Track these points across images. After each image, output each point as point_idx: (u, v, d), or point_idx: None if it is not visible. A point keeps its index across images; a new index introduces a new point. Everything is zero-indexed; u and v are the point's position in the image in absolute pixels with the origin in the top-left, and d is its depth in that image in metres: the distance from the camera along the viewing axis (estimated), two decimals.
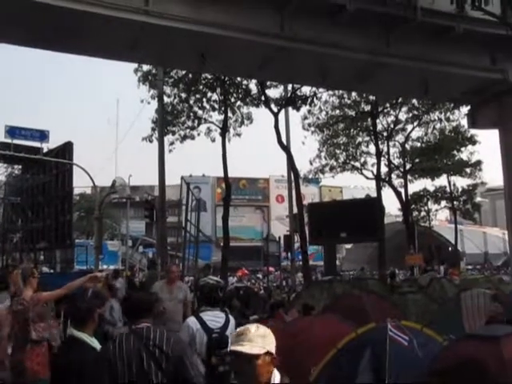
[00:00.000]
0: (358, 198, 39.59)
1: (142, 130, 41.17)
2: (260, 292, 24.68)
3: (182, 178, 23.69)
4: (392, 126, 31.86)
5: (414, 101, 29.49)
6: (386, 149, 32.32)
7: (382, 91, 22.60)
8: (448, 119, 31.64)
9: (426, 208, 41.14)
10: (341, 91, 28.15)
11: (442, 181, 39.28)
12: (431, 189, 40.15)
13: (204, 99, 26.30)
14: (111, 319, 11.12)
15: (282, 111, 26.23)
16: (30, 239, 32.22)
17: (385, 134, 32.01)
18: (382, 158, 31.79)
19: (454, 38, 15.80)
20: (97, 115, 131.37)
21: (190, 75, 24.87)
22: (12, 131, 27.32)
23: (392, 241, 38.52)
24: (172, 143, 26.68)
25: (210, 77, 24.83)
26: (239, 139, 28.17)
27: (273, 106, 25.97)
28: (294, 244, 28.33)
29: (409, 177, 34.91)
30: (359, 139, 32.77)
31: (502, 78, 17.54)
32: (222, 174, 27.34)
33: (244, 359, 2.89)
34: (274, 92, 26.71)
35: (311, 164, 32.22)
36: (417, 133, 33.43)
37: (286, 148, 25.73)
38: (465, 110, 23.96)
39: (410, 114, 31.57)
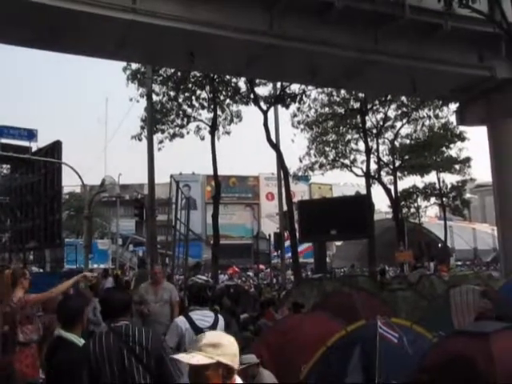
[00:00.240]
0: (347, 196, 39.74)
1: (132, 129, 41.09)
2: (250, 290, 24.68)
3: (172, 176, 23.56)
4: (381, 123, 31.92)
5: (403, 98, 29.54)
6: (375, 146, 32.39)
7: (371, 88, 22.64)
8: (437, 116, 31.74)
9: (415, 205, 41.32)
10: (330, 89, 28.16)
11: (431, 177, 39.47)
12: (421, 185, 40.32)
13: (193, 97, 26.26)
14: (95, 319, 10.99)
15: (272, 109, 26.25)
16: (19, 239, 32.03)
17: (374, 131, 32.06)
18: (372, 155, 31.88)
19: (442, 35, 15.85)
20: (86, 114, 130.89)
21: (179, 73, 24.82)
22: (0, 130, 27.18)
23: (382, 238, 38.63)
24: (161, 141, 26.70)
25: (199, 75, 24.80)
26: (229, 137, 28.14)
27: (262, 103, 25.99)
28: (284, 242, 28.35)
29: (398, 174, 34.99)
30: (348, 136, 32.81)
31: (489, 75, 17.63)
32: (211, 172, 27.33)
33: (193, 369, 2.73)
34: (263, 90, 26.81)
35: (301, 161, 32.25)
36: (406, 130, 33.55)
37: (275, 146, 25.73)
38: (453, 107, 24.07)
39: (399, 111, 31.62)
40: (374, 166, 32.82)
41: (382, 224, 41.39)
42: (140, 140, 25.66)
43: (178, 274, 22.35)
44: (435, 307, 11.03)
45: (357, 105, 30.31)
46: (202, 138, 27.13)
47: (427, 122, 32.54)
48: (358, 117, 30.72)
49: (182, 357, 2.74)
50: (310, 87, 26.31)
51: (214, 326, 6.00)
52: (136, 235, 52.87)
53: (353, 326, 6.72)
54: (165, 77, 25.22)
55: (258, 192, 71.34)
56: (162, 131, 26.68)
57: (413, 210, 41.18)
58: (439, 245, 45.35)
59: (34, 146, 28.63)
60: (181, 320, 6.04)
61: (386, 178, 34.90)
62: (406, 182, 45.59)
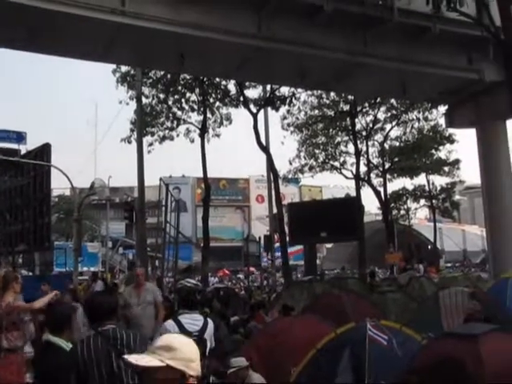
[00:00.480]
0: (337, 198, 39.81)
1: (121, 131, 40.98)
2: (241, 293, 24.68)
3: (161, 179, 23.55)
4: (371, 125, 32.01)
5: (393, 100, 29.68)
6: (365, 148, 32.49)
7: (361, 91, 22.70)
8: (426, 119, 31.91)
9: (405, 207, 41.43)
10: (319, 91, 28.22)
11: (420, 179, 39.63)
12: (410, 187, 40.47)
13: (183, 100, 26.26)
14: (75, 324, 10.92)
15: (261, 111, 26.27)
16: (8, 242, 31.80)
17: (364, 133, 32.14)
18: (361, 158, 31.95)
19: (430, 38, 15.90)
20: (75, 117, 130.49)
21: (169, 76, 24.81)
22: None
23: (372, 240, 38.74)
24: (151, 144, 26.64)
25: (188, 77, 24.80)
26: (219, 140, 28.18)
27: (252, 106, 26.03)
28: (274, 244, 28.37)
29: (388, 176, 35.10)
30: (338, 139, 32.86)
31: (478, 78, 17.71)
32: (202, 175, 27.31)
33: (144, 372, 2.60)
34: (253, 92, 26.86)
35: (291, 164, 32.30)
36: (395, 132, 33.68)
37: (265, 148, 25.76)
38: (442, 109, 24.15)
39: (389, 114, 31.74)
40: (363, 169, 32.96)
41: (371, 226, 41.50)
42: (130, 143, 25.58)
43: (167, 277, 22.33)
44: (425, 309, 11.06)
45: (346, 107, 30.39)
46: (192, 141, 27.13)
47: (416, 125, 32.77)
48: (348, 119, 30.83)
49: (132, 357, 2.61)
50: (299, 90, 26.35)
51: (203, 330, 5.99)
52: (126, 238, 52.69)
53: (342, 328, 6.73)
54: (154, 79, 25.20)
55: (249, 194, 71.39)
56: (152, 134, 26.66)
57: (402, 211, 41.31)
58: (429, 247, 45.51)
59: (23, 149, 28.47)
60: (170, 324, 6.03)
61: (376, 180, 35.05)
62: (396, 184, 45.68)
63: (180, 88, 25.75)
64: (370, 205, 62.52)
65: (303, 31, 14.81)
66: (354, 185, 32.22)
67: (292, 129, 31.08)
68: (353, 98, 28.73)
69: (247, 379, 6.73)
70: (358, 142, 31.36)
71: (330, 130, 32.37)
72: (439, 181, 42.01)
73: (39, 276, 26.99)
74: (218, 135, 27.71)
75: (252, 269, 38.76)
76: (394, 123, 32.53)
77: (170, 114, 26.67)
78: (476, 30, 15.25)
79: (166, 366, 2.55)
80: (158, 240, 21.80)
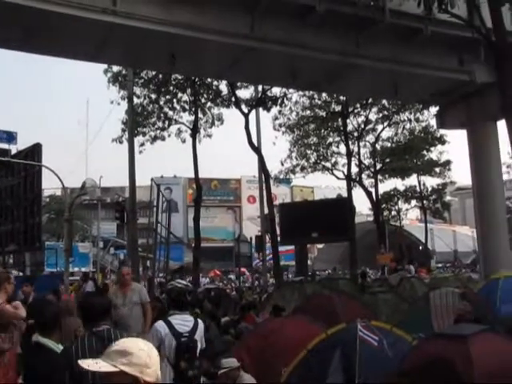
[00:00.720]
0: (328, 198, 39.84)
1: (113, 131, 40.90)
2: (232, 293, 24.66)
3: (152, 179, 23.50)
4: (362, 126, 32.09)
5: (384, 101, 29.73)
6: (356, 149, 32.54)
7: (353, 92, 22.74)
8: (417, 120, 31.99)
9: (396, 207, 41.57)
10: (311, 92, 28.24)
11: (412, 180, 39.79)
12: (401, 188, 40.65)
13: (174, 100, 26.23)
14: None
15: (253, 112, 26.27)
16: None
17: (355, 134, 32.21)
18: (353, 158, 32.01)
19: (422, 39, 15.93)
20: (66, 116, 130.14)
21: (160, 76, 24.77)
22: None
23: (363, 240, 38.79)
24: (142, 144, 26.58)
25: (180, 77, 24.76)
26: (211, 140, 28.18)
27: (243, 106, 26.03)
28: (265, 244, 28.36)
29: (379, 177, 35.17)
30: (330, 139, 32.90)
31: (469, 79, 17.77)
32: (193, 175, 27.28)
33: (102, 376, 2.52)
34: (245, 93, 26.93)
35: (282, 164, 32.32)
36: (387, 133, 33.77)
37: (256, 149, 25.76)
38: (434, 110, 24.23)
39: (380, 115, 31.79)
40: (355, 169, 33.02)
41: (363, 227, 41.56)
42: (121, 143, 25.55)
43: (158, 277, 22.30)
44: (415, 310, 11.10)
45: (338, 108, 30.42)
46: (183, 141, 27.11)
47: (408, 126, 32.84)
48: (340, 120, 30.85)
49: (85, 362, 2.54)
50: (291, 90, 26.38)
51: (193, 331, 5.99)
52: (117, 238, 52.61)
53: (333, 329, 6.73)
54: (146, 79, 25.15)
55: (240, 195, 71.37)
56: (144, 134, 26.61)
57: (394, 212, 41.44)
58: (420, 247, 45.64)
59: (14, 149, 28.39)
60: (160, 325, 6.02)
61: (367, 181, 35.11)
62: (387, 184, 45.98)
63: (171, 88, 25.72)
64: (362, 205, 62.77)
65: (295, 32, 14.81)
66: (346, 185, 32.28)
67: (283, 129, 31.13)
68: (344, 98, 28.78)
69: (238, 380, 6.73)
70: (350, 142, 31.42)
71: (322, 131, 32.40)
72: (430, 182, 42.25)
73: (30, 276, 26.90)
74: (209, 135, 27.75)
75: (243, 269, 38.75)
76: (385, 124, 32.62)
77: (162, 114, 26.63)
78: (467, 32, 15.28)
79: (120, 371, 2.47)
80: (149, 240, 21.78)
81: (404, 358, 5.65)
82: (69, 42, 14.31)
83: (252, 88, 25.99)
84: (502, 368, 4.95)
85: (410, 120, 32.08)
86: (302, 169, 32.93)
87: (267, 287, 26.35)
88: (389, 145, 34.39)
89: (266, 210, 26.70)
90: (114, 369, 2.47)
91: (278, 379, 6.64)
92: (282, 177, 33.57)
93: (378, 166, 34.63)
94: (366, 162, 34.53)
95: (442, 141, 33.07)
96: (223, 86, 25.89)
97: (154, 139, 26.94)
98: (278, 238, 25.10)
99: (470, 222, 52.20)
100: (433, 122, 29.34)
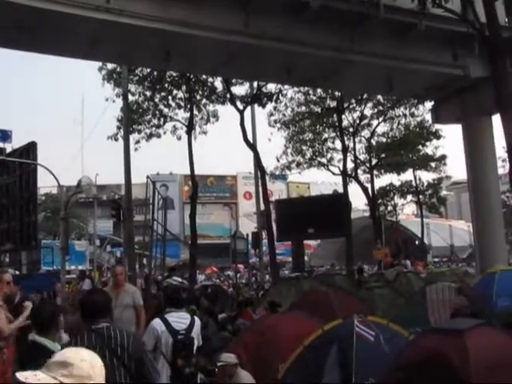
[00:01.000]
0: (324, 194, 39.77)
1: (108, 129, 40.80)
2: (229, 290, 24.66)
3: (148, 176, 23.43)
4: (358, 121, 32.05)
5: (379, 97, 29.73)
6: (352, 144, 32.50)
7: (348, 88, 22.75)
8: (412, 114, 32.03)
9: (392, 202, 41.53)
10: (306, 88, 28.23)
11: (407, 175, 39.77)
12: (397, 183, 40.58)
13: (169, 97, 26.15)
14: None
15: (248, 108, 26.23)
16: None
17: (351, 129, 32.17)
18: (348, 154, 31.97)
19: (416, 34, 15.97)
20: (61, 114, 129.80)
21: (155, 73, 24.70)
22: None
23: (359, 236, 38.85)
24: (138, 142, 26.50)
25: (175, 74, 24.71)
26: (206, 137, 28.14)
27: (238, 103, 25.98)
28: (262, 241, 28.35)
29: (375, 172, 35.14)
30: (325, 135, 32.88)
31: (463, 74, 17.82)
32: (189, 172, 27.24)
33: None
34: (240, 89, 26.88)
35: (278, 161, 32.32)
36: (382, 128, 33.72)
37: (252, 145, 25.74)
38: (429, 105, 24.26)
39: (376, 110, 31.79)
40: (350, 165, 32.98)
41: (359, 222, 41.60)
42: (116, 140, 25.45)
43: (155, 275, 22.27)
44: (412, 304, 11.11)
45: (333, 103, 30.42)
46: (179, 138, 27.04)
47: (403, 121, 32.85)
48: (335, 115, 30.85)
49: (23, 375, 2.37)
50: (286, 86, 26.35)
51: (190, 328, 5.99)
52: (114, 236, 52.50)
53: (329, 325, 6.73)
54: (141, 76, 25.08)
55: (236, 191, 71.32)
56: (139, 131, 26.51)
57: (390, 207, 41.41)
58: (416, 242, 45.70)
59: (9, 147, 28.34)
60: (157, 322, 6.02)
61: (363, 177, 35.08)
62: (383, 180, 45.74)
63: (166, 85, 25.64)
64: (358, 201, 62.68)
65: (290, 28, 14.80)
66: (342, 181, 32.29)
67: (279, 125, 31.08)
68: (340, 94, 28.78)
69: (235, 377, 6.74)
70: (345, 138, 31.40)
71: (317, 127, 32.37)
72: (426, 176, 42.31)
73: (26, 275, 26.88)
74: (204, 132, 27.70)
75: (240, 266, 38.74)
76: (380, 119, 32.61)
77: (157, 112, 26.55)
78: (461, 27, 15.31)
79: (60, 383, 2.35)
80: (145, 238, 21.72)
81: (400, 353, 5.65)
82: (63, 39, 14.30)
83: (247, 84, 25.95)
84: (499, 362, 4.95)
85: (405, 115, 32.14)
86: (298, 165, 32.93)
87: (264, 283, 26.35)
88: (384, 140, 34.39)
89: (263, 207, 26.69)
90: (53, 381, 2.35)
91: (275, 375, 6.64)
92: (277, 173, 33.53)
93: (374, 162, 34.63)
94: (362, 157, 34.51)
95: (437, 135, 33.13)
96: (218, 83, 25.86)
97: (150, 136, 26.86)
98: (275, 235, 25.10)
99: (465, 216, 52.23)
100: (428, 117, 29.33)
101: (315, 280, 17.38)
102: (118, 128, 25.40)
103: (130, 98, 24.65)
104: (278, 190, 56.14)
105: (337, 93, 28.68)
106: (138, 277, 19.97)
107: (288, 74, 16.66)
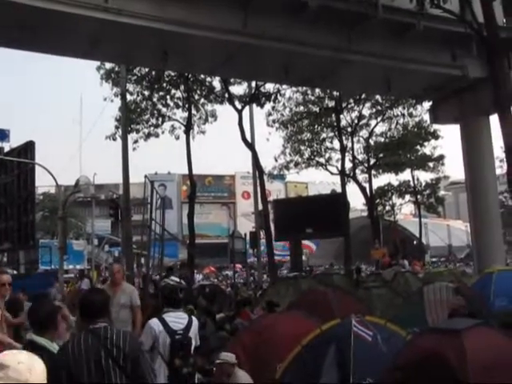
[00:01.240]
0: (322, 194, 39.83)
1: (106, 129, 40.81)
2: (227, 289, 24.66)
3: (146, 176, 23.39)
4: (356, 121, 32.08)
5: (378, 96, 29.75)
6: (350, 144, 32.53)
7: (346, 87, 22.76)
8: (411, 115, 32.05)
9: (390, 202, 41.58)
10: (305, 87, 28.23)
11: (405, 175, 39.84)
12: (395, 183, 40.65)
13: (168, 96, 26.14)
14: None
15: (246, 108, 26.23)
16: None
17: (349, 129, 32.21)
18: (347, 154, 32.03)
19: (414, 35, 15.97)
20: (59, 114, 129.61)
21: (154, 73, 24.69)
22: None
23: (358, 236, 38.85)
24: (136, 141, 26.49)
25: (173, 74, 24.70)
26: (205, 136, 28.15)
27: (237, 103, 25.97)
28: (259, 240, 28.35)
29: (373, 172, 35.20)
30: (323, 135, 32.90)
31: (461, 74, 17.83)
32: (187, 172, 27.23)
33: None
34: (238, 89, 26.92)
35: (276, 160, 32.34)
36: (380, 128, 33.77)
37: (250, 145, 25.73)
38: (427, 105, 24.29)
39: (374, 110, 31.83)
40: (349, 165, 33.03)
41: (357, 222, 41.60)
42: (114, 140, 25.46)
43: (153, 274, 22.26)
44: (410, 304, 11.11)
45: (332, 103, 30.42)
46: (177, 138, 27.04)
47: (401, 121, 32.88)
48: (333, 115, 30.87)
49: None
50: (284, 86, 26.37)
51: (187, 328, 5.99)
52: (112, 235, 52.48)
53: (327, 324, 6.74)
54: (139, 76, 25.07)
55: (234, 191, 71.31)
56: (137, 131, 26.49)
57: (388, 207, 41.45)
58: (414, 242, 45.73)
59: (7, 147, 28.32)
60: (154, 322, 6.01)
61: (361, 176, 35.12)
62: (381, 179, 45.89)
63: (165, 85, 25.63)
64: (356, 201, 62.93)
65: (289, 28, 14.80)
66: (340, 181, 32.30)
67: (277, 125, 31.08)
68: (338, 94, 28.79)
69: (233, 376, 6.74)
70: (344, 138, 31.44)
71: (316, 127, 32.39)
72: (424, 176, 42.22)
73: (24, 275, 26.87)
74: (203, 132, 27.69)
75: (238, 265, 38.74)
76: (378, 119, 32.66)
77: (155, 111, 26.54)
78: (459, 27, 15.32)
79: None
80: (143, 237, 21.70)
81: (398, 352, 5.66)
82: (64, 39, 14.29)
83: (245, 84, 25.95)
84: (496, 362, 4.96)
85: (403, 115, 32.17)
86: (296, 164, 32.95)
87: (262, 283, 26.36)
88: (382, 140, 34.42)
89: (261, 206, 26.70)
90: None
91: (273, 375, 6.65)
92: (275, 173, 33.56)
93: (372, 161, 34.67)
94: (360, 157, 34.58)
95: (435, 135, 33.15)
96: (216, 83, 25.86)
97: (148, 136, 26.86)
98: (273, 234, 25.10)
99: (463, 216, 52.27)
100: (426, 117, 29.43)
101: (313, 280, 17.38)
102: (116, 127, 25.44)
103: (128, 97, 24.66)
104: (276, 190, 56.10)
105: (335, 93, 28.69)
106: (135, 276, 19.98)
107: (286, 73, 16.66)
